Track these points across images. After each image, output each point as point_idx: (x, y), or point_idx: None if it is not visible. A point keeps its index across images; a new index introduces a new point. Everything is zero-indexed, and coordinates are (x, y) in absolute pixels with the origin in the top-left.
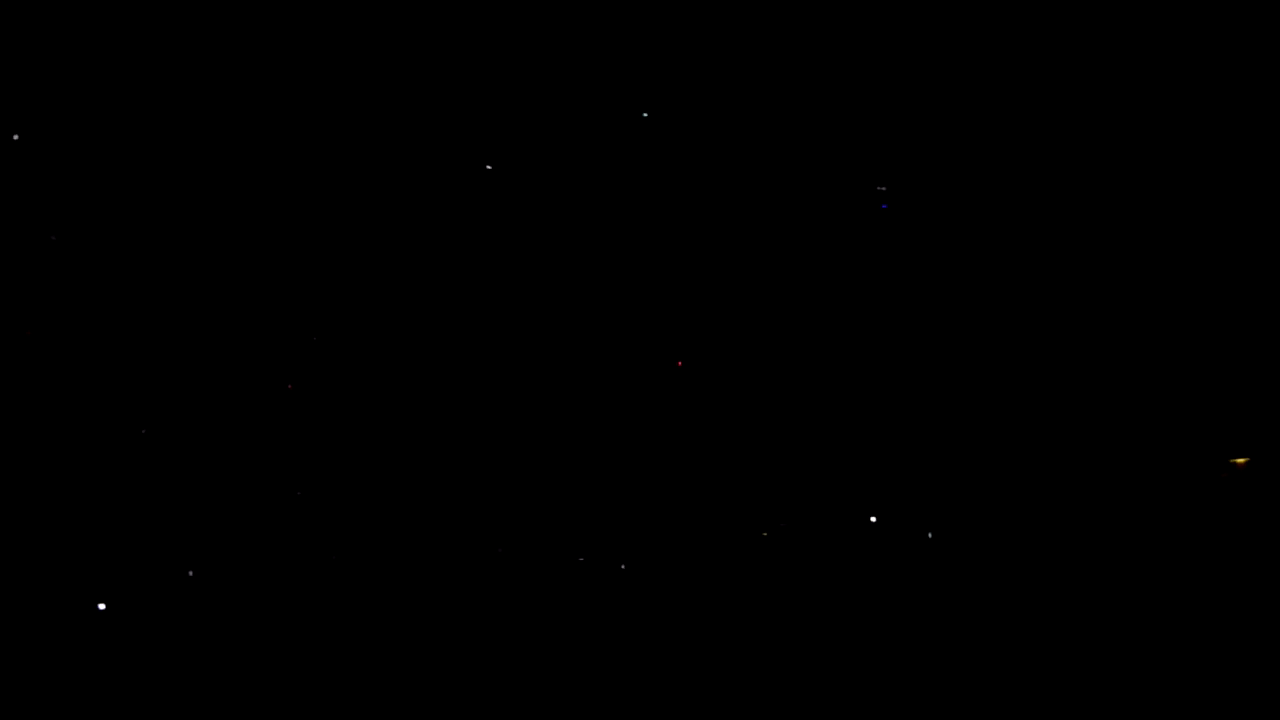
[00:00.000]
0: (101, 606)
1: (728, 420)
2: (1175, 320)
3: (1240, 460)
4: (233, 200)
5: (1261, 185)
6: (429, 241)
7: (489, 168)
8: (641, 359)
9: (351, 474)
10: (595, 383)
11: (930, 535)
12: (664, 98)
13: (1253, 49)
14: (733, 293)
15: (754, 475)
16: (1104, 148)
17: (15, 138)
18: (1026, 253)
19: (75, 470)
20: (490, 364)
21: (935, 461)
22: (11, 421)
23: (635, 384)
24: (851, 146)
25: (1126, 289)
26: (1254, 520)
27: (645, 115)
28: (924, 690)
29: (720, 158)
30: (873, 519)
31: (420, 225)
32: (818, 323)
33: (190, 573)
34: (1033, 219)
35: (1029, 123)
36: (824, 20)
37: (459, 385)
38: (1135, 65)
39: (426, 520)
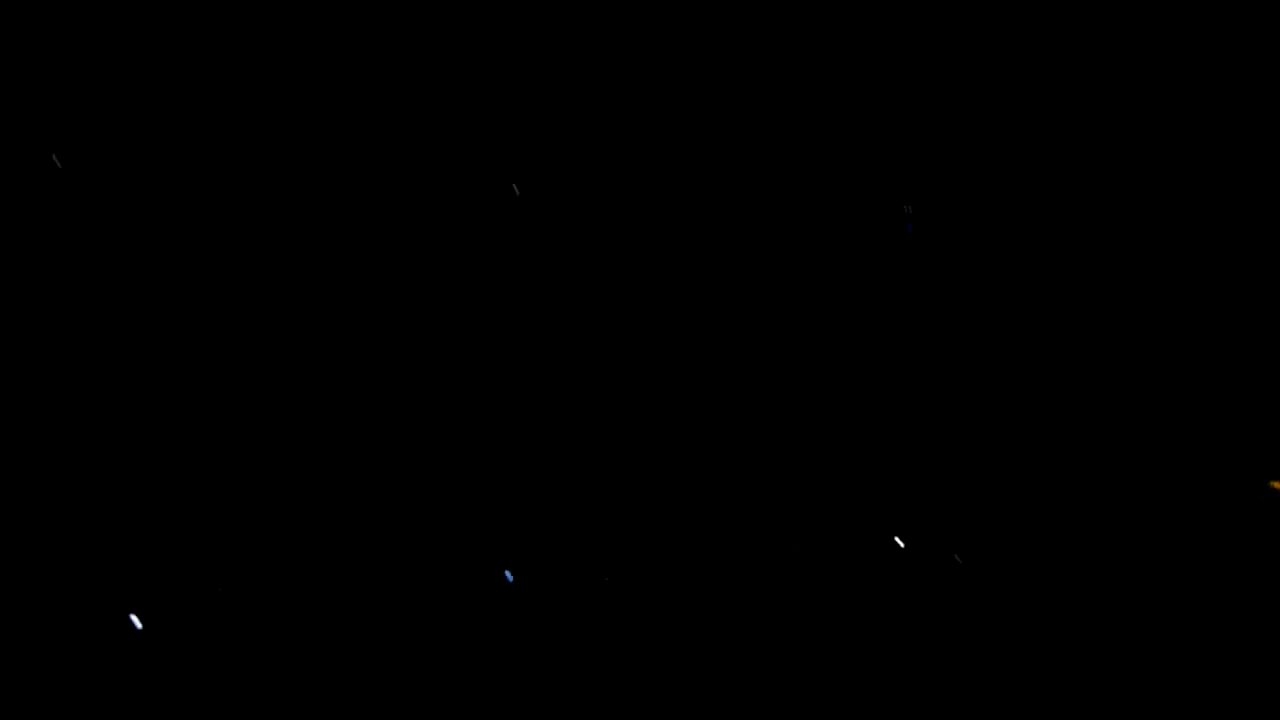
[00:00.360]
0: (134, 620)
1: (754, 438)
2: (1217, 344)
3: (1278, 484)
4: (252, 206)
5: None
6: (448, 247)
7: (514, 187)
8: (666, 369)
9: (372, 479)
10: (619, 391)
11: (958, 558)
12: (685, 109)
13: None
14: (768, 310)
15: (780, 493)
16: (1145, 165)
17: (54, 158)
18: (1062, 271)
19: (97, 473)
20: (519, 374)
21: (966, 483)
22: (28, 426)
23: (661, 394)
24: (875, 162)
25: (1167, 310)
26: None
27: (662, 125)
28: (948, 708)
29: (746, 172)
30: (899, 541)
31: (437, 230)
32: (853, 342)
33: (220, 589)
34: (1069, 237)
35: (1058, 140)
36: (853, 34)
37: (482, 393)
38: (1160, 79)
39: (445, 526)
